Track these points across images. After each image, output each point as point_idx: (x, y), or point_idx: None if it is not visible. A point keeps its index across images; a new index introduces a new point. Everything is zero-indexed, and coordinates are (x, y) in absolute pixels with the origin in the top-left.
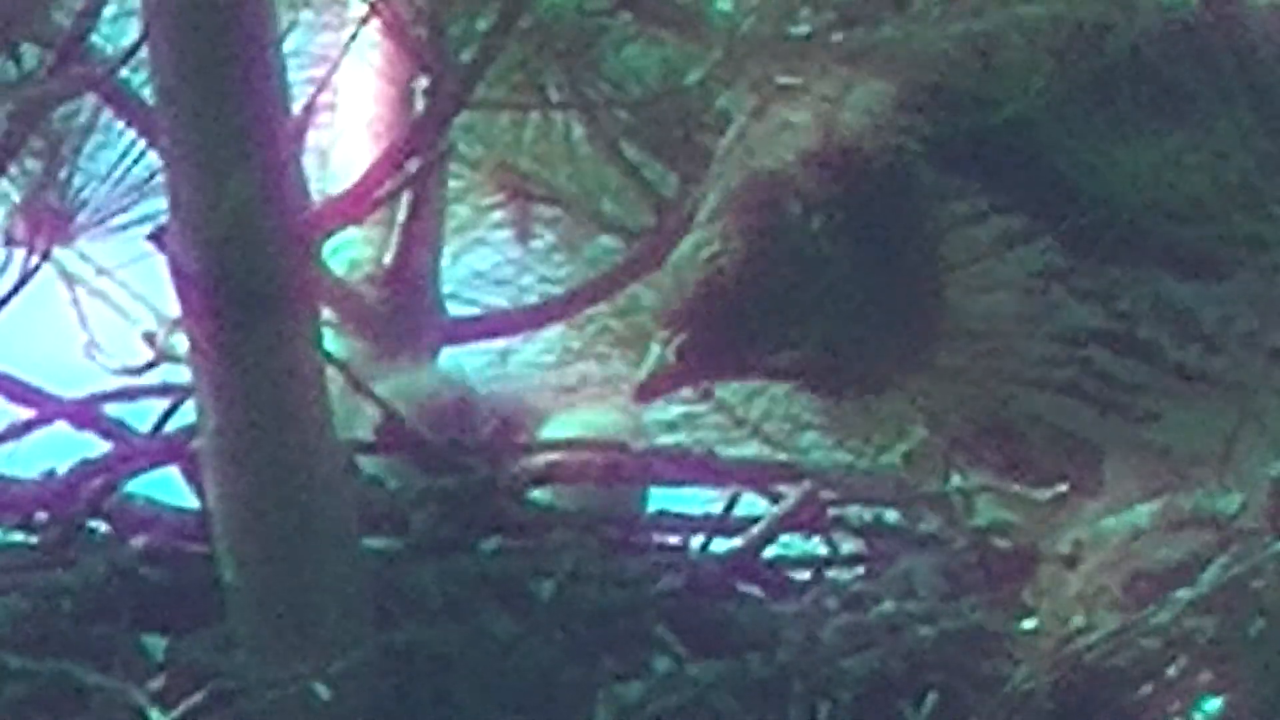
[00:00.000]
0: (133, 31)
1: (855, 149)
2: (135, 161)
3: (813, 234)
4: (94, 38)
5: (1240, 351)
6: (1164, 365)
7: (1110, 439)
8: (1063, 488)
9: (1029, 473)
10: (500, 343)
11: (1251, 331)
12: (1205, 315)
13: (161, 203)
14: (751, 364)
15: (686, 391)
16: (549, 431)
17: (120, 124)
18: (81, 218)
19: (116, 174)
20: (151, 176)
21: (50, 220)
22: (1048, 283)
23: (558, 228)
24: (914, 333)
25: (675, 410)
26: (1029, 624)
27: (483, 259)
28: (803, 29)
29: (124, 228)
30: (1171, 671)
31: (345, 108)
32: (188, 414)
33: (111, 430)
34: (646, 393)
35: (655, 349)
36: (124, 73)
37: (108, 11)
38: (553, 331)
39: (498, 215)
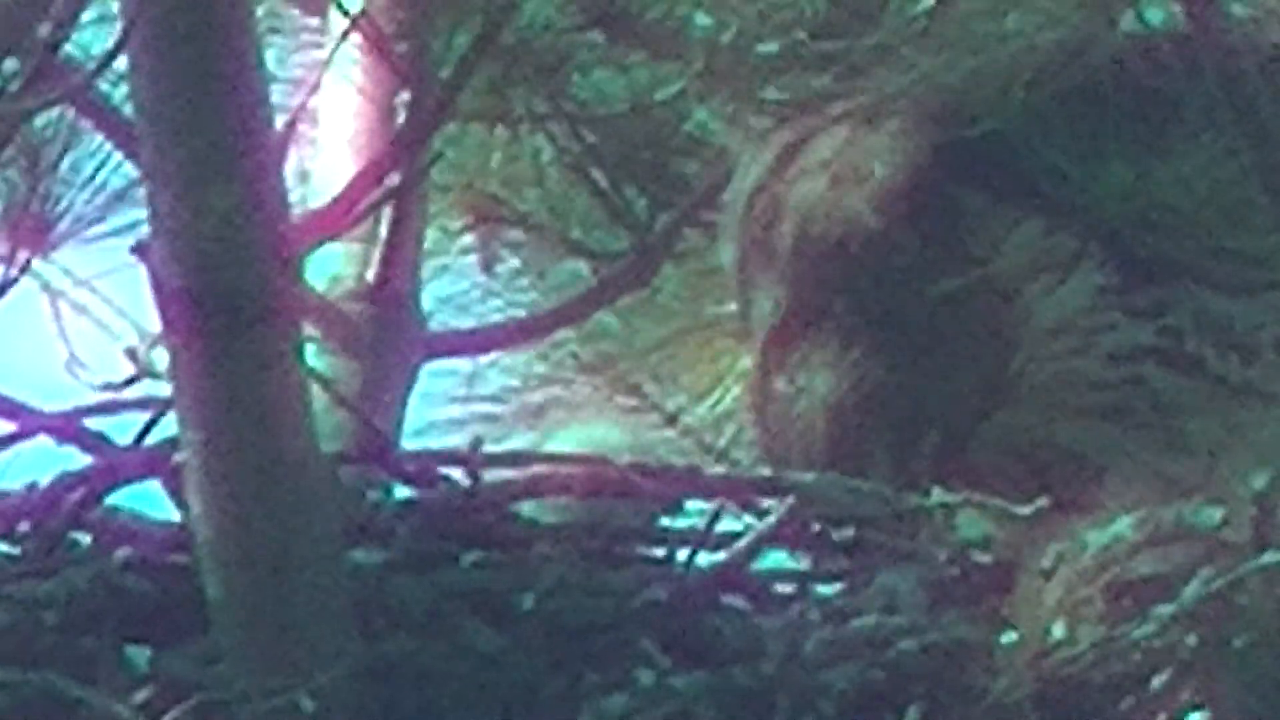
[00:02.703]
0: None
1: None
2: (113, 171)
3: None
4: (75, 50)
5: (1271, 358)
6: (1206, 378)
7: (1132, 466)
8: (1044, 502)
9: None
10: (468, 365)
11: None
12: (1239, 323)
13: (140, 211)
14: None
15: (654, 417)
16: (549, 446)
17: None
18: (61, 227)
19: (95, 183)
20: (130, 185)
21: (30, 231)
22: (1103, 299)
23: (525, 252)
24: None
25: (644, 436)
26: (1011, 637)
27: (449, 284)
28: (775, 46)
29: (103, 236)
30: (1154, 685)
31: (326, 123)
32: (169, 427)
33: (93, 443)
34: None
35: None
36: (102, 84)
37: (87, 21)
38: (519, 357)
39: (465, 240)
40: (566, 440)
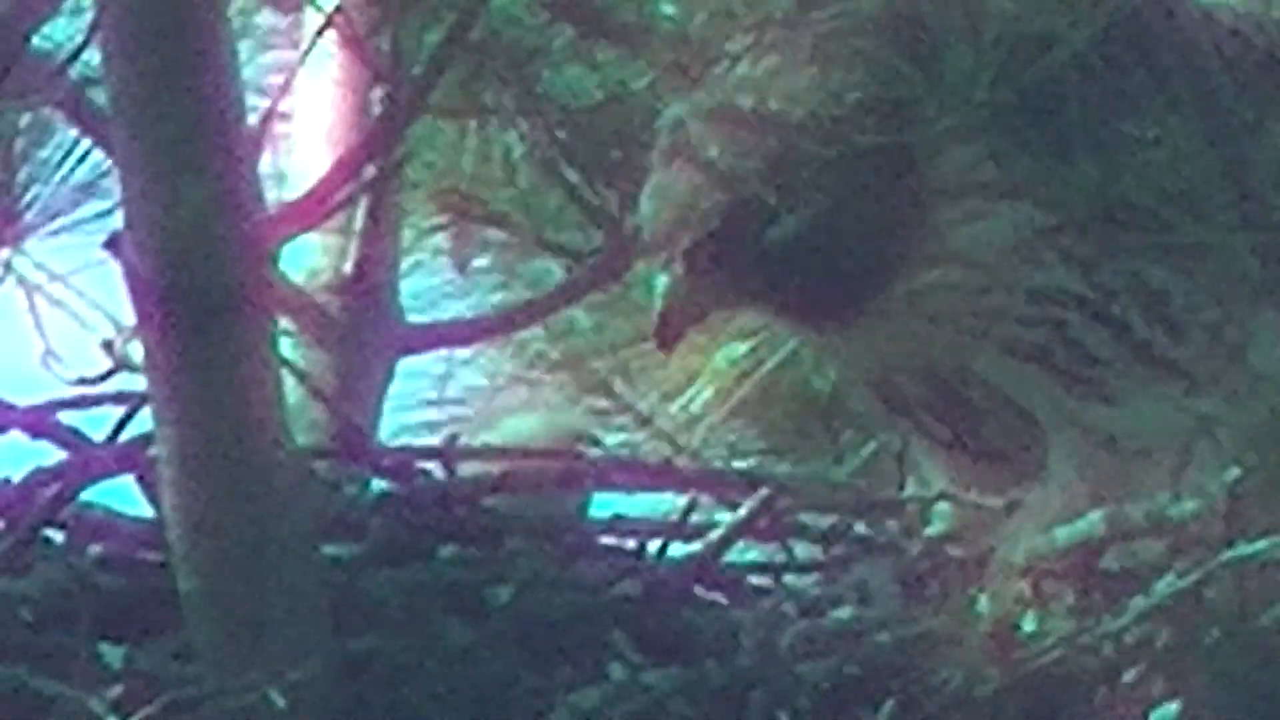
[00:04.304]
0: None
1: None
2: (82, 162)
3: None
4: (45, 42)
5: (1203, 341)
6: (1131, 344)
7: (1060, 416)
8: (1016, 495)
9: (973, 442)
10: (439, 367)
11: (1215, 322)
12: (1175, 300)
13: (109, 201)
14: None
15: (625, 417)
16: (501, 436)
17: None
18: (34, 220)
19: (68, 175)
20: (103, 178)
21: (2, 225)
22: (1035, 239)
23: (497, 249)
24: (899, 256)
25: (615, 437)
26: (982, 630)
27: (420, 281)
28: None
29: (77, 229)
30: (1126, 678)
31: (301, 118)
32: (144, 422)
33: (67, 438)
34: (667, 331)
35: (662, 280)
36: (75, 78)
37: (59, 12)
38: (488, 356)
39: (438, 238)
40: (511, 433)
